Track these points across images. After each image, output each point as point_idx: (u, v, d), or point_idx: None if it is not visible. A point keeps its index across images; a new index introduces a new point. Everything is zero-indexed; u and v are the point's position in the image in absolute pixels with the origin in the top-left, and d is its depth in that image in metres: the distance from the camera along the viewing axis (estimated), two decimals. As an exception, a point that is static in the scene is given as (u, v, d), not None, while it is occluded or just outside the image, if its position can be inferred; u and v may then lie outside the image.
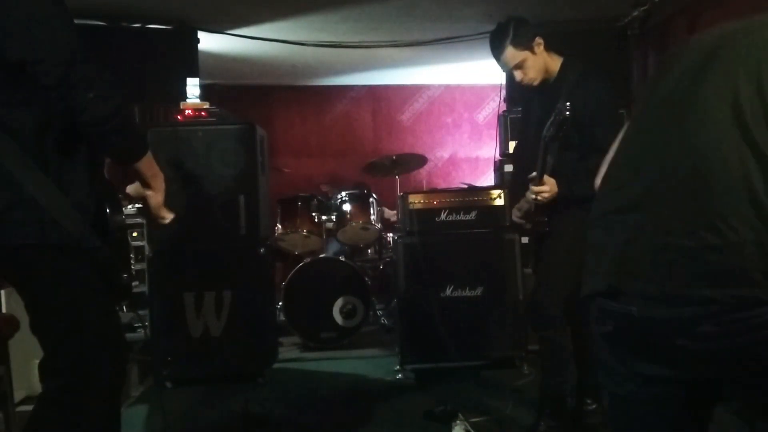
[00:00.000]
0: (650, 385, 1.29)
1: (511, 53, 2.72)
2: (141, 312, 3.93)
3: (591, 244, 1.40)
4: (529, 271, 3.77)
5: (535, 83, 2.79)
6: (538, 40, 2.73)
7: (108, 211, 1.91)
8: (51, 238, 1.73)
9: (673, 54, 1.41)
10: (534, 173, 2.69)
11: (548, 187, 2.64)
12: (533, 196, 2.69)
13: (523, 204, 2.89)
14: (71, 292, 1.80)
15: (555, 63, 2.78)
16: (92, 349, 1.82)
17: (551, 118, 2.55)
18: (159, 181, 1.98)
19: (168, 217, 2.06)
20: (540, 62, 2.75)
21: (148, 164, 1.92)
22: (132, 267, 1.84)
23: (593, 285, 1.36)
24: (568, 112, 2.47)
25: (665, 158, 1.27)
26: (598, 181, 1.56)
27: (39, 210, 1.71)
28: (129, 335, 3.79)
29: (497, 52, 2.76)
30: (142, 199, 2.01)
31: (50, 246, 1.74)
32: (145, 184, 1.97)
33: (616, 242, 1.29)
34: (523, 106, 3.12)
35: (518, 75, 2.78)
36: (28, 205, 1.70)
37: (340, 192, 5.08)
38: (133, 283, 4.39)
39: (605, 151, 2.65)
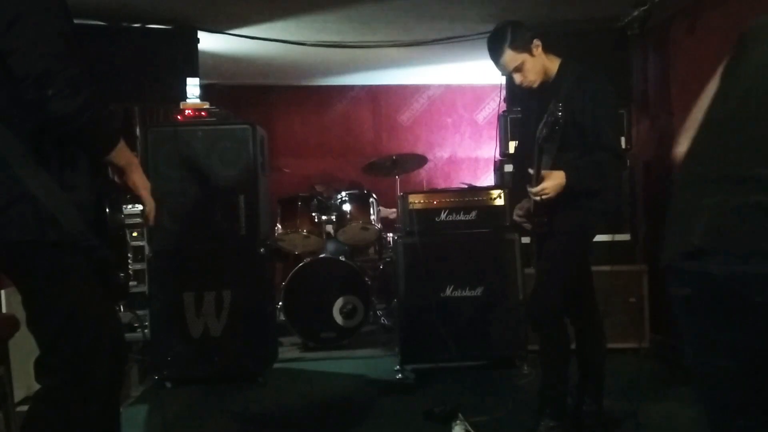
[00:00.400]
0: (728, 356, 1.31)
1: (509, 56, 2.72)
2: (141, 312, 3.92)
3: (677, 207, 1.41)
4: (529, 271, 3.78)
5: (535, 85, 2.79)
6: (536, 42, 2.73)
7: (107, 210, 1.90)
8: (49, 235, 1.73)
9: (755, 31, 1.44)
10: (531, 171, 2.70)
11: (548, 183, 2.63)
12: (537, 199, 2.69)
13: (524, 203, 2.90)
14: (68, 289, 1.81)
15: (553, 64, 2.79)
16: (88, 347, 1.82)
17: (543, 119, 2.56)
18: (133, 166, 1.96)
19: (150, 203, 2.01)
20: (539, 64, 2.76)
21: (119, 155, 1.90)
22: (129, 266, 1.81)
23: (678, 247, 1.37)
24: (560, 113, 2.49)
25: (755, 121, 1.30)
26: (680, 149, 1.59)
27: (39, 207, 1.71)
28: (129, 335, 3.79)
29: (496, 56, 2.76)
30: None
31: (48, 243, 1.74)
32: (120, 173, 1.96)
33: (708, 203, 1.31)
34: (523, 107, 3.13)
35: (517, 78, 2.78)
36: (28, 202, 1.71)
37: (335, 191, 5.09)
38: (133, 283, 4.39)
39: (610, 149, 2.68)
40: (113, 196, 1.97)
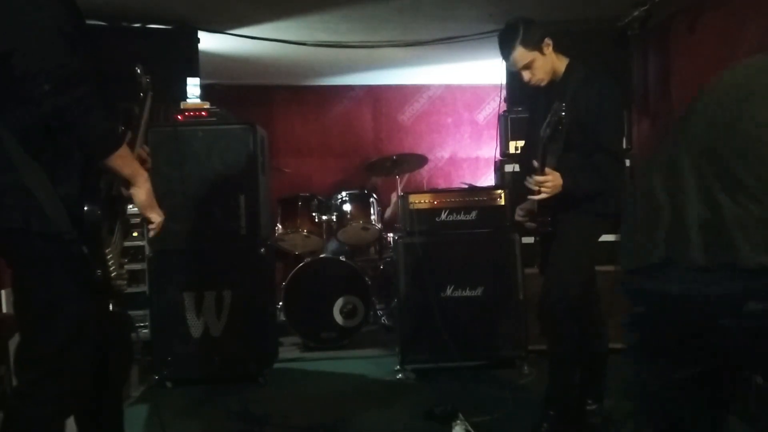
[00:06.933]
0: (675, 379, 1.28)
1: (520, 54, 2.72)
2: (141, 312, 3.92)
3: (638, 216, 1.36)
4: (529, 271, 3.77)
5: (543, 84, 2.79)
6: (547, 41, 2.72)
7: (85, 207, 1.88)
8: (35, 225, 1.76)
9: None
10: (535, 164, 2.68)
11: (551, 177, 2.61)
12: (536, 188, 2.65)
13: (526, 204, 2.89)
14: (49, 280, 1.83)
15: (562, 64, 2.79)
16: (67, 340, 1.82)
17: (547, 120, 2.56)
18: (139, 179, 1.92)
19: (156, 220, 2.00)
20: (548, 63, 2.75)
21: (122, 161, 1.86)
22: (108, 264, 1.79)
23: (637, 261, 1.32)
24: (563, 113, 2.48)
25: (704, 135, 1.29)
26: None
27: (29, 197, 1.74)
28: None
29: (506, 53, 2.75)
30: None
31: (34, 233, 1.77)
32: (125, 183, 1.94)
33: (665, 214, 1.26)
34: (529, 106, 3.11)
35: (526, 75, 2.77)
36: (18, 191, 1.74)
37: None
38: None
39: (609, 151, 2.68)
40: (91, 191, 1.92)
